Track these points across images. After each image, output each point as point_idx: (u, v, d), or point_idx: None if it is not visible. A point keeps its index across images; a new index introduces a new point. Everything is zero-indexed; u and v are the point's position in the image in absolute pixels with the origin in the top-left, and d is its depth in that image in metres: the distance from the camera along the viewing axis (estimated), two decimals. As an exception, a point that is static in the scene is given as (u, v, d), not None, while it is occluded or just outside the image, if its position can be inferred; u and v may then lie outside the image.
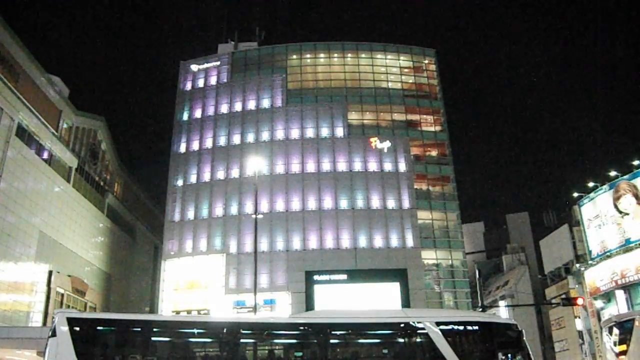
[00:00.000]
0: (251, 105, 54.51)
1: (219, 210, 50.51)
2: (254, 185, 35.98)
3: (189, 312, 45.57)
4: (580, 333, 47.59)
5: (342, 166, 51.24)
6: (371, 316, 17.09)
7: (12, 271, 37.07)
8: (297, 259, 47.79)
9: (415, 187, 50.85)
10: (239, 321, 20.77)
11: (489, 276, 63.26)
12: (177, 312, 45.49)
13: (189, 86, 56.66)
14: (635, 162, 42.22)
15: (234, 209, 50.06)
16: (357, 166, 51.20)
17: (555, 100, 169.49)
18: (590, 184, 46.47)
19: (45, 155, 42.70)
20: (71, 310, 40.27)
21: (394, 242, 48.69)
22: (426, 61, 57.51)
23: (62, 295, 43.31)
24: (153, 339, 15.81)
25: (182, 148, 53.65)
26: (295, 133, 52.87)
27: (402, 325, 16.34)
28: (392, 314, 18.75)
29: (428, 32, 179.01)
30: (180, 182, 52.31)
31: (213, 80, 56.42)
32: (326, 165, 51.27)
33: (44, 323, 38.40)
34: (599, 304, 45.32)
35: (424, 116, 54.52)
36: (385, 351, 16.45)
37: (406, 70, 56.93)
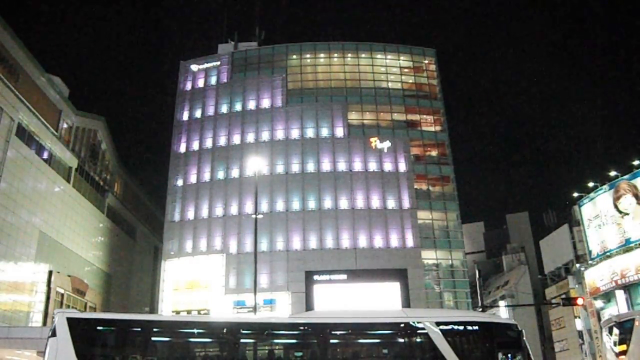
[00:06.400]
0: (251, 105, 54.51)
1: (219, 210, 50.51)
2: (254, 185, 35.99)
3: (189, 312, 45.56)
4: (580, 333, 47.59)
5: (342, 166, 51.24)
6: (371, 316, 17.09)
7: (12, 271, 37.10)
8: (297, 259, 47.79)
9: (415, 187, 50.83)
10: (239, 321, 20.77)
11: (489, 276, 63.24)
12: (177, 312, 45.48)
13: (189, 86, 56.65)
14: (635, 162, 42.21)
15: (234, 209, 50.06)
16: (357, 166, 51.20)
17: (555, 100, 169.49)
18: (590, 184, 46.46)
19: (45, 155, 42.71)
20: (71, 310, 40.18)
21: (394, 242, 48.69)
22: (426, 61, 57.49)
23: (62, 295, 43.34)
24: (153, 339, 15.80)
25: (182, 148, 53.66)
26: (295, 133, 52.87)
27: (402, 325, 16.34)
28: (392, 314, 18.74)
29: (428, 32, 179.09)
30: (180, 182, 52.31)
31: (213, 80, 56.42)
32: (326, 165, 51.27)
33: (44, 323, 38.43)
34: (599, 304, 45.31)
35: (424, 116, 54.53)
36: (385, 351, 16.46)
37: (406, 70, 56.92)
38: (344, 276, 46.82)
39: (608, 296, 44.24)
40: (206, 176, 52.09)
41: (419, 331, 16.01)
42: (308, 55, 57.33)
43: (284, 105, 53.90)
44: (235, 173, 51.58)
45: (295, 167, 51.33)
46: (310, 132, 52.87)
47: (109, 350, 15.27)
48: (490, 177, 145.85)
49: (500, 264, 63.37)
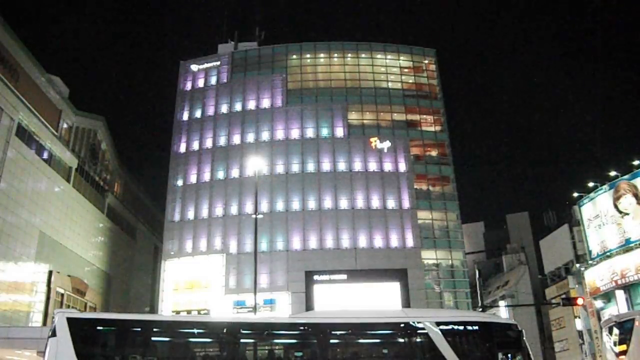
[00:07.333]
0: (251, 105, 54.50)
1: (219, 210, 50.50)
2: (254, 185, 35.99)
3: (189, 312, 45.56)
4: (580, 333, 47.60)
5: (342, 166, 51.23)
6: (371, 316, 17.08)
7: (12, 271, 37.06)
8: (297, 259, 47.78)
9: (415, 187, 50.82)
10: (239, 321, 20.76)
11: (489, 276, 63.24)
12: (177, 312, 45.48)
13: (189, 86, 56.63)
14: (635, 162, 42.21)
15: (234, 209, 50.05)
16: (357, 166, 51.19)
17: (555, 100, 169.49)
18: (590, 184, 46.46)
19: (45, 155, 42.67)
20: (71, 310, 40.23)
21: (394, 242, 48.68)
22: (426, 61, 57.47)
23: (62, 295, 43.29)
24: (153, 339, 15.79)
25: (182, 148, 53.63)
26: (295, 133, 52.85)
27: (402, 325, 16.34)
28: (392, 314, 18.76)
29: (428, 32, 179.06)
30: (180, 182, 52.29)
31: (213, 80, 56.41)
32: (326, 165, 51.26)
33: (44, 323, 38.40)
34: (599, 304, 45.31)
35: (424, 116, 54.51)
36: (385, 351, 16.46)
37: (406, 70, 56.91)
38: (344, 276, 46.81)
39: (608, 296, 44.23)
40: (206, 176, 52.07)
41: (419, 331, 16.02)
42: (308, 55, 57.32)
43: (284, 105, 53.88)
44: (235, 173, 51.57)
45: (295, 167, 51.32)
46: (310, 132, 52.86)
47: (109, 350, 15.24)
48: (490, 177, 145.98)
49: (500, 264, 63.37)
